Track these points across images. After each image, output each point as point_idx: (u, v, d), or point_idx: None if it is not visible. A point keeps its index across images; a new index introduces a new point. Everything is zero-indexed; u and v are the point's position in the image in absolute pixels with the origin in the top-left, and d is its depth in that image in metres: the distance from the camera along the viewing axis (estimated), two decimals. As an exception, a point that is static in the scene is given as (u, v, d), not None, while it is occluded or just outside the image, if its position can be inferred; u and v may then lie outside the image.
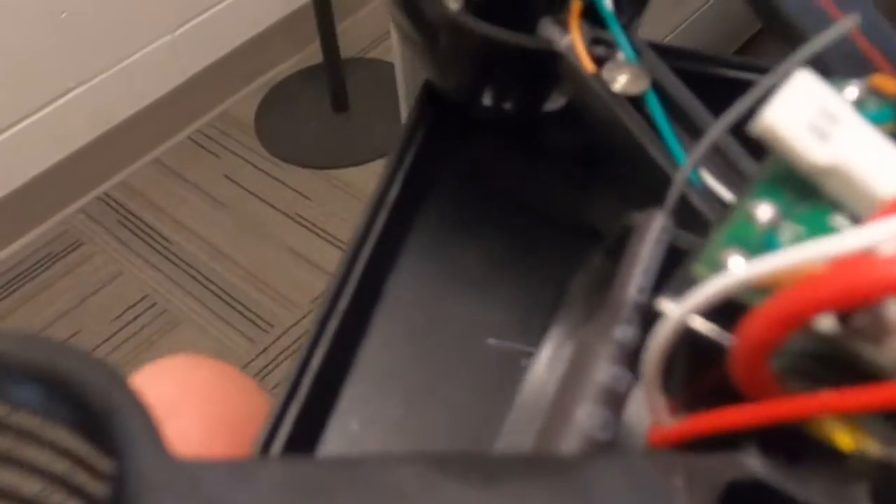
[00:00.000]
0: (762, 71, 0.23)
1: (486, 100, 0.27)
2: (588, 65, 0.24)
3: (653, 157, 0.22)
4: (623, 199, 0.23)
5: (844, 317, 0.15)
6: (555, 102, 0.26)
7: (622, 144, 0.23)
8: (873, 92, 0.18)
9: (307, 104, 1.62)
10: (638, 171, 0.23)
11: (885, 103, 0.18)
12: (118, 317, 1.36)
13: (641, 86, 0.23)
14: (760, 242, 0.16)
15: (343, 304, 0.24)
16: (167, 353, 0.28)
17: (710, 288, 0.14)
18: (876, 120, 0.17)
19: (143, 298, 1.39)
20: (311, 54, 1.67)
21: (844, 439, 0.15)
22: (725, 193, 0.22)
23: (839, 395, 0.14)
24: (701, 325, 0.15)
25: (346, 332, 0.24)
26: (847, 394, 0.14)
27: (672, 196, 0.19)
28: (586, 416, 0.17)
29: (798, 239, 0.16)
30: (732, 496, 0.15)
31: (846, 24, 0.18)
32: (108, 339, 1.34)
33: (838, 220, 0.16)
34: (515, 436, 0.21)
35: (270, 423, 0.22)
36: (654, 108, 0.23)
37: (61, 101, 1.43)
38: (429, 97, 0.28)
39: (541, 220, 0.28)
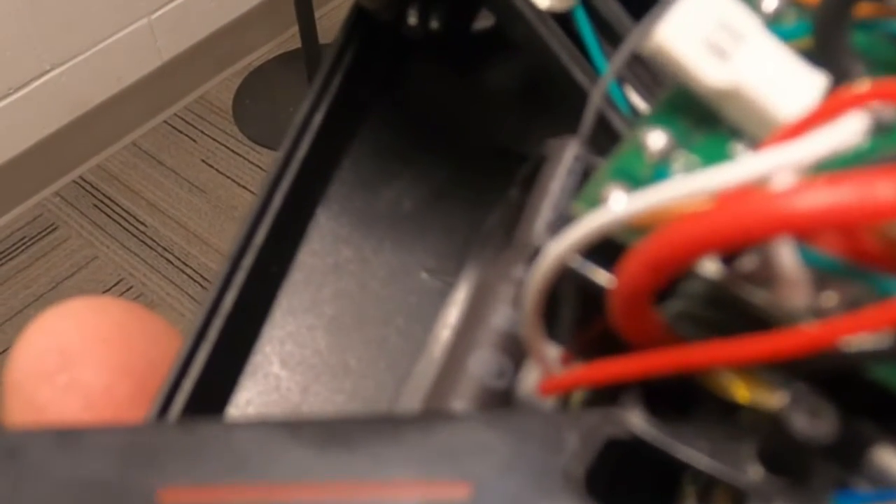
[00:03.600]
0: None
1: (412, 18, 0.25)
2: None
3: (578, 80, 0.21)
4: (571, 124, 0.21)
5: (730, 260, 0.14)
6: (486, 21, 0.25)
7: (549, 67, 0.21)
8: (792, 3, 0.16)
9: (285, 89, 1.61)
10: (574, 95, 0.21)
11: (803, 16, 0.16)
12: (95, 300, 1.35)
13: (568, 1, 0.21)
14: (649, 175, 0.15)
15: (259, 238, 0.22)
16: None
17: (585, 226, 0.13)
18: (791, 35, 0.15)
19: (118, 282, 1.38)
20: (290, 39, 1.66)
21: (740, 391, 0.14)
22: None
23: (725, 347, 0.13)
24: (580, 265, 0.14)
25: (264, 269, 0.23)
26: (734, 345, 0.13)
27: (588, 118, 0.17)
28: (480, 364, 0.16)
29: (690, 171, 0.15)
30: (622, 452, 0.14)
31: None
32: (81, 323, 1.32)
33: (738, 148, 0.15)
34: (422, 383, 0.20)
35: (176, 368, 0.20)
36: (583, 25, 0.21)
37: (36, 83, 1.41)
38: (359, 19, 0.26)
39: (481, 147, 0.27)
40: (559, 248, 0.13)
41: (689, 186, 0.12)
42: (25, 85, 1.40)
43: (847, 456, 0.13)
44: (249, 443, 0.14)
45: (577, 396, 0.17)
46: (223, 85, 1.63)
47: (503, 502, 0.13)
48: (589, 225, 0.13)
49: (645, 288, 0.13)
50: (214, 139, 1.56)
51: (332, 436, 0.14)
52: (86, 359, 0.20)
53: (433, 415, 0.16)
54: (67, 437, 0.14)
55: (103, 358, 0.20)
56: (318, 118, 0.24)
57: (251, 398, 0.22)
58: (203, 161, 1.53)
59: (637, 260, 0.13)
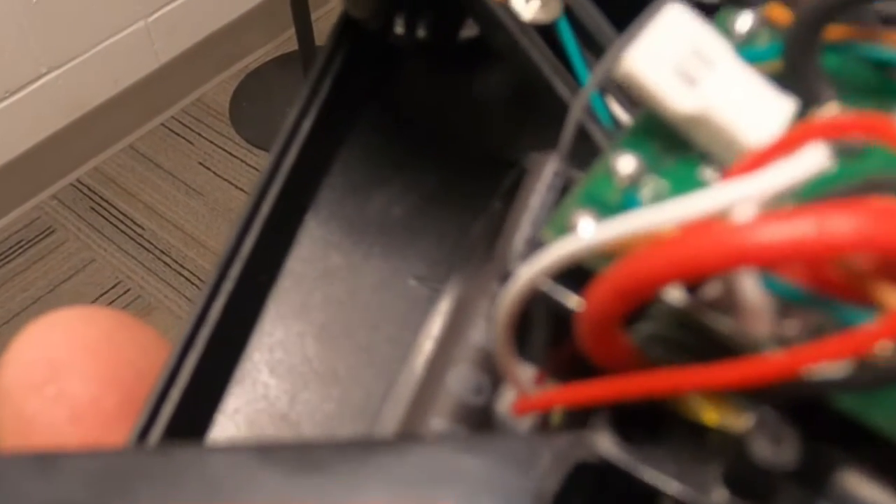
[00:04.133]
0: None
1: (399, 27, 0.25)
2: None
3: (559, 93, 0.21)
4: (559, 130, 0.22)
5: (695, 287, 0.14)
6: (472, 29, 0.25)
7: (532, 78, 0.21)
8: (766, 23, 0.16)
9: (282, 91, 1.61)
10: (556, 107, 0.21)
11: (776, 37, 0.16)
12: (91, 303, 1.35)
13: (552, 12, 0.21)
14: (619, 200, 0.15)
15: (248, 244, 0.22)
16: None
17: (553, 253, 0.13)
18: (764, 56, 0.16)
19: (116, 285, 1.38)
20: (286, 42, 1.66)
21: (708, 414, 0.14)
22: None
23: (692, 373, 0.13)
24: (551, 289, 0.14)
25: (252, 275, 0.22)
26: (701, 372, 0.13)
27: (567, 133, 0.17)
28: (458, 380, 0.16)
29: (659, 197, 0.15)
30: (594, 475, 0.15)
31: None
32: (79, 327, 1.33)
33: (707, 173, 0.15)
34: (402, 397, 0.20)
35: (164, 377, 0.20)
36: (566, 37, 0.21)
37: (33, 86, 1.41)
38: (346, 28, 0.26)
39: (470, 154, 0.27)
40: (529, 272, 0.14)
41: (653, 218, 0.12)
42: (22, 88, 1.40)
43: (812, 480, 0.14)
44: (223, 468, 0.14)
45: (556, 417, 0.17)
46: (220, 87, 1.63)
47: None
48: (557, 252, 0.13)
49: (612, 313, 0.13)
50: (211, 142, 1.56)
51: (303, 460, 0.14)
52: (74, 370, 0.20)
53: (405, 438, 0.16)
54: (44, 462, 0.14)
55: (91, 369, 0.20)
56: (306, 124, 0.24)
57: (239, 406, 0.22)
58: (200, 163, 1.53)
59: (604, 287, 0.13)
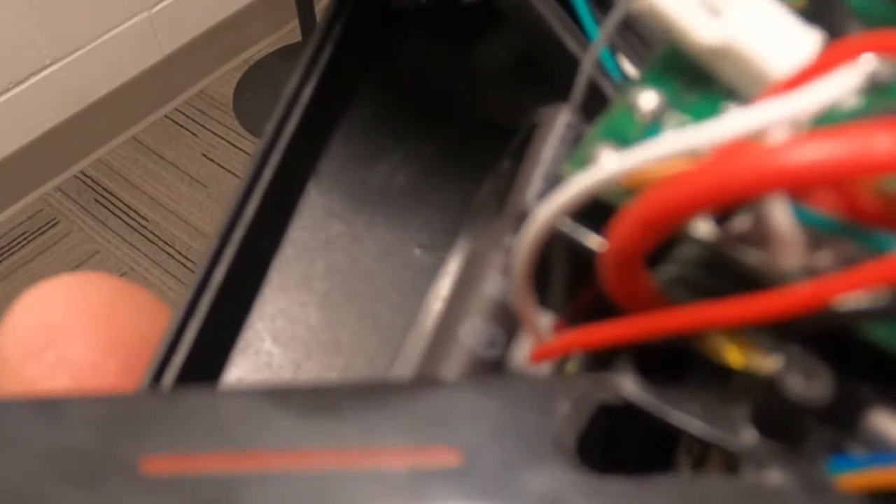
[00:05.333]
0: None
1: None
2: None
3: (570, 49, 0.20)
4: (563, 96, 0.21)
5: (723, 220, 0.13)
6: None
7: (541, 36, 0.21)
8: None
9: (285, 83, 1.60)
10: (566, 65, 0.21)
11: None
12: (95, 296, 1.35)
13: None
14: (641, 136, 0.14)
15: (249, 213, 0.22)
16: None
17: (575, 186, 0.13)
18: None
19: (120, 276, 1.37)
20: (290, 33, 1.66)
21: (733, 355, 0.14)
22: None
23: (717, 308, 0.13)
24: (571, 229, 0.14)
25: (254, 244, 0.22)
26: (727, 306, 0.13)
27: (579, 85, 0.17)
28: (471, 333, 0.16)
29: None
30: (615, 418, 0.14)
31: None
32: (83, 318, 1.33)
33: (731, 108, 0.14)
34: (413, 354, 0.20)
35: (164, 345, 0.20)
36: None
37: (36, 77, 1.41)
38: None
39: (473, 120, 0.26)
40: (549, 210, 0.13)
41: (681, 142, 0.12)
42: (26, 79, 1.39)
43: (842, 419, 0.13)
44: (233, 411, 0.14)
45: (572, 366, 0.16)
46: (223, 79, 1.63)
47: (494, 469, 0.13)
48: (579, 185, 0.13)
49: (637, 248, 0.13)
50: (215, 133, 1.56)
51: (317, 403, 0.14)
52: (73, 335, 0.20)
53: (422, 381, 0.16)
54: (47, 406, 0.14)
55: (91, 334, 0.20)
56: (307, 91, 0.24)
57: (243, 375, 0.22)
58: (204, 155, 1.52)
59: (629, 219, 0.12)
